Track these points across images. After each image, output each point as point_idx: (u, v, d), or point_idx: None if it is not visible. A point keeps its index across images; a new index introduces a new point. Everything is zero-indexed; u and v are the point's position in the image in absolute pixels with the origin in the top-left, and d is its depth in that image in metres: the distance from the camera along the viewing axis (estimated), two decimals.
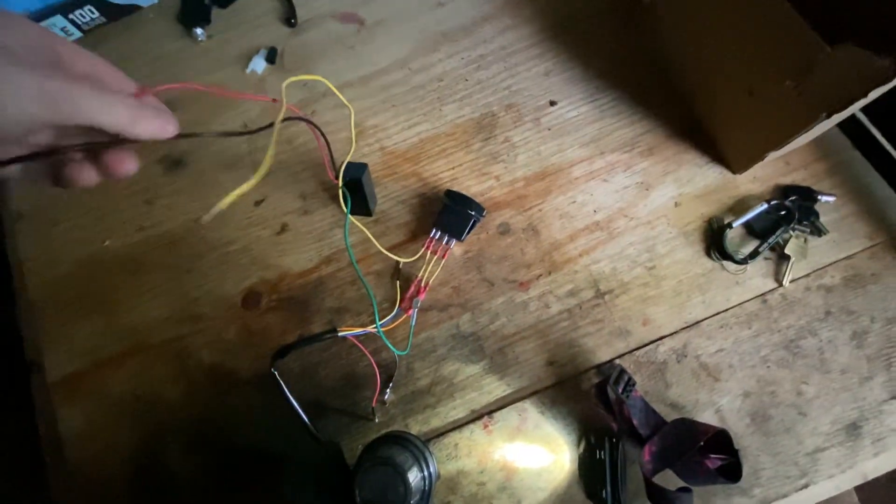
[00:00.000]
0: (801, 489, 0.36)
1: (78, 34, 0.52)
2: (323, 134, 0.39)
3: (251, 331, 0.42)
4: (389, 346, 0.37)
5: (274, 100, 0.35)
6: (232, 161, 0.47)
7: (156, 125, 0.23)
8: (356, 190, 0.41)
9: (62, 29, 0.51)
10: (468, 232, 0.41)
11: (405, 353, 0.39)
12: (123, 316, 0.44)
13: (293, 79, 0.39)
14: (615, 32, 0.47)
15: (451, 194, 0.42)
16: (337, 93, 0.40)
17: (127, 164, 0.25)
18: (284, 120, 0.36)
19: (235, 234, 0.45)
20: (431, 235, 0.42)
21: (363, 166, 0.41)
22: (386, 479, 0.33)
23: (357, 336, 0.38)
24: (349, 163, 0.40)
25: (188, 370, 0.42)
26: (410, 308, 0.40)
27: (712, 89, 0.40)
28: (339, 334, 0.37)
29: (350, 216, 0.40)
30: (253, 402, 0.41)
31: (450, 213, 0.42)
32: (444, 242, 0.42)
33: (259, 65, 0.48)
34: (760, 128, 0.37)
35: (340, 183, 0.40)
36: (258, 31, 0.50)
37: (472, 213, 0.41)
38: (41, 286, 0.45)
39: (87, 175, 0.25)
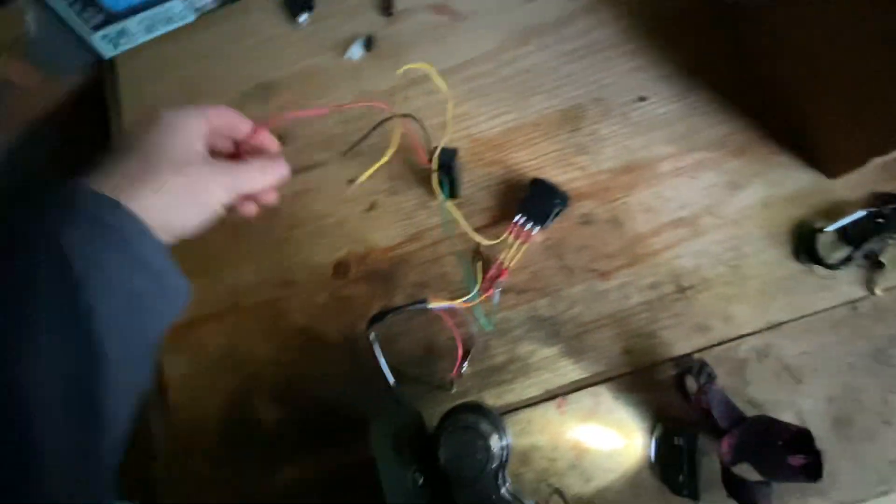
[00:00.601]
0: (879, 495, 0.36)
1: (191, 17, 0.57)
2: (424, 127, 0.43)
3: (339, 298, 0.46)
4: (481, 318, 0.40)
5: (384, 108, 0.39)
6: (327, 141, 0.50)
7: (280, 179, 0.35)
8: (447, 174, 0.44)
9: (178, 13, 0.56)
10: (551, 219, 0.43)
11: (491, 328, 0.42)
12: (224, 277, 0.48)
13: (405, 67, 0.43)
14: (709, 29, 0.48)
15: (536, 182, 0.44)
16: (440, 82, 0.42)
17: (271, 198, 0.38)
18: (383, 122, 0.41)
19: (328, 209, 0.48)
20: (515, 221, 0.44)
21: (454, 151, 0.43)
22: (468, 443, 0.36)
23: (443, 309, 0.41)
24: (443, 148, 0.43)
25: (279, 330, 0.46)
26: (491, 288, 0.43)
27: (816, 89, 0.40)
28: (429, 305, 0.40)
29: (446, 200, 0.43)
30: (337, 363, 0.44)
31: (534, 200, 0.44)
32: (526, 228, 0.44)
33: (357, 52, 0.52)
34: (867, 132, 0.37)
35: (434, 166, 0.43)
36: (356, 20, 0.54)
37: (557, 201, 0.43)
38: None
39: (250, 208, 0.37)
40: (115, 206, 0.25)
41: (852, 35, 0.36)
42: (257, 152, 0.37)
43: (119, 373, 0.24)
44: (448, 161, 0.43)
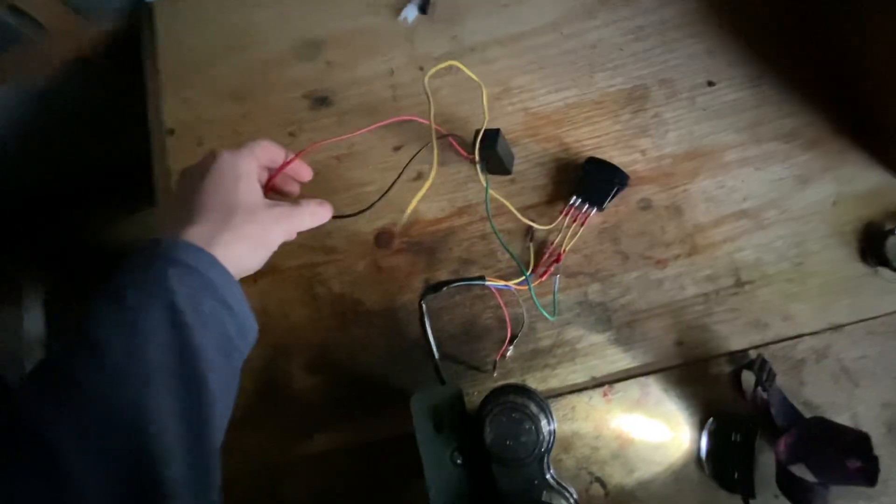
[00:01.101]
0: None
1: None
2: (463, 141, 0.44)
3: (380, 268, 0.45)
4: (540, 309, 0.39)
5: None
6: (375, 105, 0.49)
7: (324, 218, 0.38)
8: (492, 158, 0.42)
9: None
10: (610, 200, 0.42)
11: (554, 319, 0.41)
12: None
13: (431, 71, 0.41)
14: (787, 16, 0.46)
15: (593, 161, 0.43)
16: (468, 72, 0.41)
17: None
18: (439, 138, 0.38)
19: (373, 176, 0.47)
20: (571, 203, 0.42)
21: (495, 133, 0.42)
22: (516, 424, 0.35)
23: (498, 288, 0.40)
24: (485, 131, 0.41)
25: (316, 296, 0.45)
26: (545, 273, 0.42)
27: None
28: (486, 283, 0.39)
29: (488, 186, 0.42)
30: (374, 334, 0.43)
31: (590, 180, 0.42)
32: (583, 210, 0.42)
33: (411, 13, 0.50)
34: None
35: (476, 157, 0.41)
36: None
37: (616, 180, 0.42)
38: None
39: (293, 237, 0.38)
40: (209, 257, 0.29)
41: None
42: (290, 180, 0.40)
43: (219, 405, 0.27)
44: (491, 143, 0.42)
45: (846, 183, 0.42)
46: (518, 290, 0.41)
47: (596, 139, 0.45)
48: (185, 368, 0.26)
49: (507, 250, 0.42)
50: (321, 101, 0.50)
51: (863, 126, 0.42)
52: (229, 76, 0.51)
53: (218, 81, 0.51)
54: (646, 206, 0.43)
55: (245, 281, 0.47)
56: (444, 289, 0.38)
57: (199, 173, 0.33)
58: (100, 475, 0.22)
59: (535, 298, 0.40)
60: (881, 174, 0.41)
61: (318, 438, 0.42)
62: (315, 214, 0.37)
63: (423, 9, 0.50)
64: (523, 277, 0.41)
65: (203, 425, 0.25)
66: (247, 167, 0.34)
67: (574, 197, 0.42)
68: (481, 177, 0.43)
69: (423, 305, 0.37)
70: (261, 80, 0.51)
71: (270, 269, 0.46)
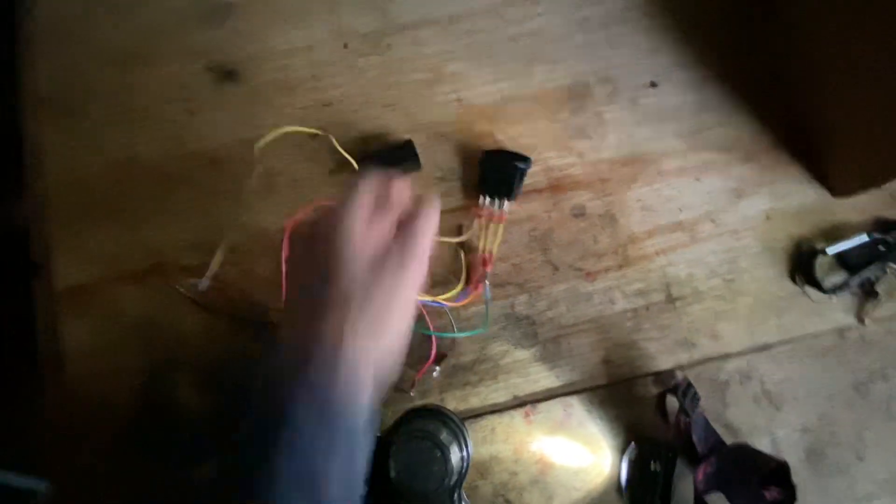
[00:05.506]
0: None
1: None
2: None
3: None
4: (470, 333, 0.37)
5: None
6: (292, 84, 0.43)
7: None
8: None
9: None
10: (518, 186, 0.40)
11: (485, 330, 0.38)
12: (149, 231, 0.41)
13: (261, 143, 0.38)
14: (736, 20, 0.44)
15: (488, 154, 0.40)
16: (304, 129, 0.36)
17: None
18: None
19: (285, 166, 0.42)
20: (480, 203, 0.39)
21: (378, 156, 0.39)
22: (425, 454, 0.32)
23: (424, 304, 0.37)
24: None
25: (212, 302, 0.40)
26: (479, 284, 0.38)
27: (844, 102, 0.38)
28: None
29: None
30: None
31: (493, 172, 0.40)
32: (496, 206, 0.39)
33: None
34: (888, 152, 0.35)
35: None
36: None
37: (519, 164, 0.39)
38: (58, 183, 0.42)
39: None
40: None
41: (886, 48, 0.34)
42: None
43: None
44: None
45: (780, 198, 0.41)
46: (451, 308, 0.38)
47: (533, 138, 0.42)
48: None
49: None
50: (228, 76, 0.44)
51: (799, 141, 0.41)
52: (113, 37, 0.44)
53: (100, 42, 0.44)
54: (579, 213, 0.41)
55: (129, 280, 0.42)
56: None
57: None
58: None
59: (451, 317, 0.37)
60: (814, 191, 0.41)
61: (209, 467, 0.37)
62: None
63: None
64: (454, 292, 0.38)
65: None
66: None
67: (481, 197, 0.40)
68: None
69: None
70: (153, 45, 0.44)
71: (158, 269, 0.40)
